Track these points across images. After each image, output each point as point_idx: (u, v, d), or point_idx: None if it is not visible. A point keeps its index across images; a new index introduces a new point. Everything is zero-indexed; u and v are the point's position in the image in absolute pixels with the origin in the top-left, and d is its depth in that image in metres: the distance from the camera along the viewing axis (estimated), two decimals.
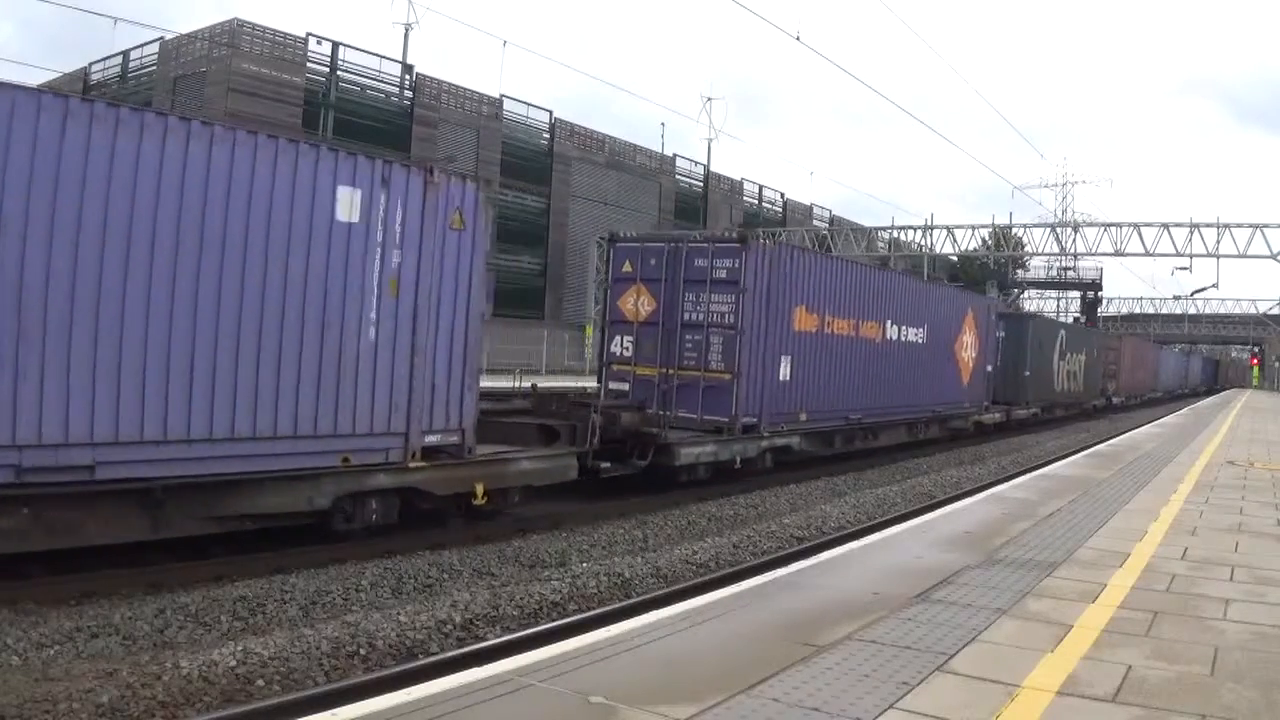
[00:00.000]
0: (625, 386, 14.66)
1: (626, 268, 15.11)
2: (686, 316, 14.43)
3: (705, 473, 13.51)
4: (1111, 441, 19.83)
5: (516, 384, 19.49)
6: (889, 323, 18.56)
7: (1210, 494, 10.83)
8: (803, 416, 15.63)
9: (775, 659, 4.41)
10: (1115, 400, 42.74)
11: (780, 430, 15.07)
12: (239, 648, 6.11)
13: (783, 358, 14.94)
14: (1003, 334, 26.93)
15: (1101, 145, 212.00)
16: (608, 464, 11.96)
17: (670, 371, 14.40)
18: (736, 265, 14.10)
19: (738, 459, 14.09)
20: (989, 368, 24.21)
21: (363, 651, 6.43)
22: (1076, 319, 63.12)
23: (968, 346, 22.57)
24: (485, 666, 4.34)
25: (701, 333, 14.26)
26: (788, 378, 15.06)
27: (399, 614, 7.12)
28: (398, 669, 6.07)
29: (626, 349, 14.90)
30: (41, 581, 7.34)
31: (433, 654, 6.55)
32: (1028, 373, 28.02)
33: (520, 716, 3.77)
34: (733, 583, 6.41)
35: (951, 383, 21.82)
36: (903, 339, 19.11)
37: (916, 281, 22.35)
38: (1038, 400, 29.53)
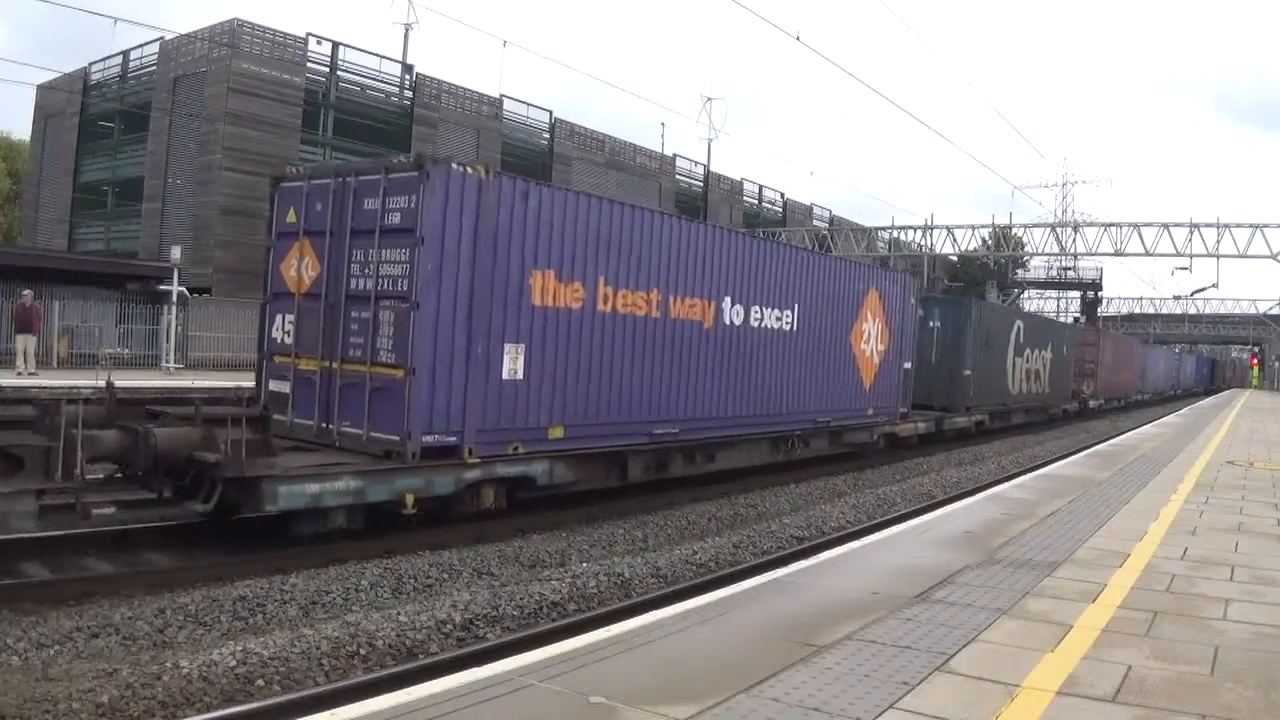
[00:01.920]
0: (286, 387, 10.53)
1: (290, 217, 10.66)
2: (353, 284, 9.91)
3: (348, 521, 9.07)
4: (1112, 441, 19.83)
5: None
6: (727, 301, 13.46)
7: (1210, 494, 10.83)
8: (557, 433, 10.74)
9: (775, 659, 4.41)
10: (1092, 404, 37.99)
11: (513, 455, 10.35)
12: (239, 648, 6.11)
13: (509, 346, 10.13)
14: (937, 324, 22.61)
15: (1101, 145, 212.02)
16: (110, 508, 8.35)
17: (333, 365, 9.97)
18: (413, 204, 9.46)
19: (409, 498, 9.26)
20: (906, 365, 18.98)
21: (363, 651, 6.42)
22: (1076, 319, 63.11)
23: (870, 337, 17.51)
24: (485, 666, 4.34)
25: (369, 307, 9.71)
26: (519, 375, 10.25)
27: (399, 614, 7.11)
28: (398, 669, 6.07)
29: (288, 333, 10.64)
30: (41, 581, 7.34)
31: (433, 654, 6.54)
32: (968, 371, 22.88)
33: (520, 716, 3.77)
34: (733, 583, 6.42)
35: (845, 384, 16.78)
36: (753, 325, 14.12)
37: (779, 247, 15.73)
38: (984, 405, 24.39)
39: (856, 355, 17.15)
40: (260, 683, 5.82)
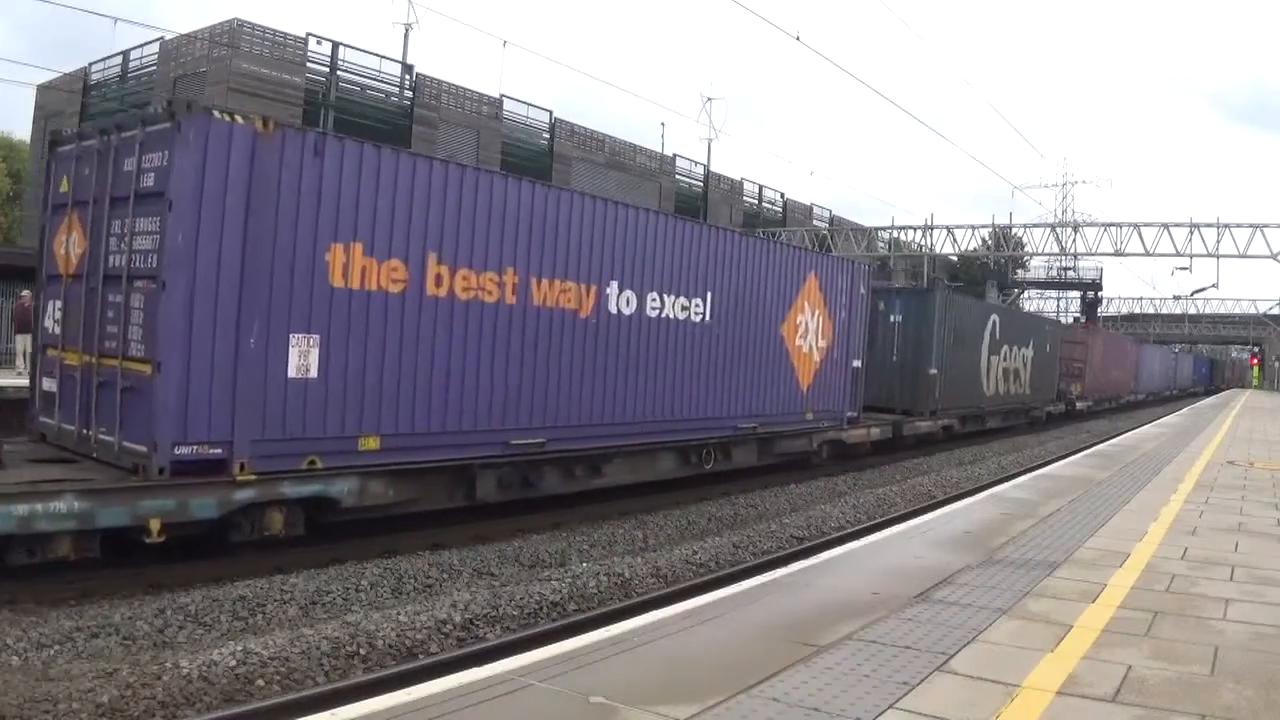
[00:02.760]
0: (55, 385, 8.95)
1: (64, 186, 9.07)
2: (110, 261, 8.27)
3: (77, 549, 7.32)
4: (1112, 441, 19.82)
5: None
6: (613, 286, 11.37)
7: (1210, 494, 10.82)
8: (370, 444, 8.87)
9: (775, 659, 4.41)
10: (1080, 406, 35.45)
11: (308, 471, 8.48)
12: (239, 648, 6.11)
13: (297, 338, 8.29)
14: (898, 318, 20.57)
15: (1101, 145, 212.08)
16: None
17: (92, 360, 8.36)
18: (165, 163, 7.74)
19: (154, 524, 7.49)
20: (856, 363, 16.89)
21: (363, 651, 6.43)
22: (1076, 319, 63.11)
23: (808, 331, 15.36)
24: (485, 666, 4.34)
25: (122, 289, 8.07)
26: (312, 374, 8.39)
27: (399, 614, 7.12)
28: (398, 669, 6.08)
29: (57, 321, 9.02)
30: (41, 581, 7.33)
31: (433, 654, 6.55)
32: (933, 370, 20.53)
33: (520, 716, 3.77)
34: (733, 583, 6.42)
35: (776, 385, 14.57)
36: (650, 314, 11.94)
37: (686, 224, 13.18)
38: (953, 407, 21.94)
39: (791, 351, 14.91)
40: (260, 683, 5.82)
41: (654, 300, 12.07)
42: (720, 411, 13.42)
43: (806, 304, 15.40)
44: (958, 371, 22.13)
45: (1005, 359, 25.69)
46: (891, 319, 20.70)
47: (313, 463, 8.50)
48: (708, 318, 13.02)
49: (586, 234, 11.07)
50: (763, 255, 14.41)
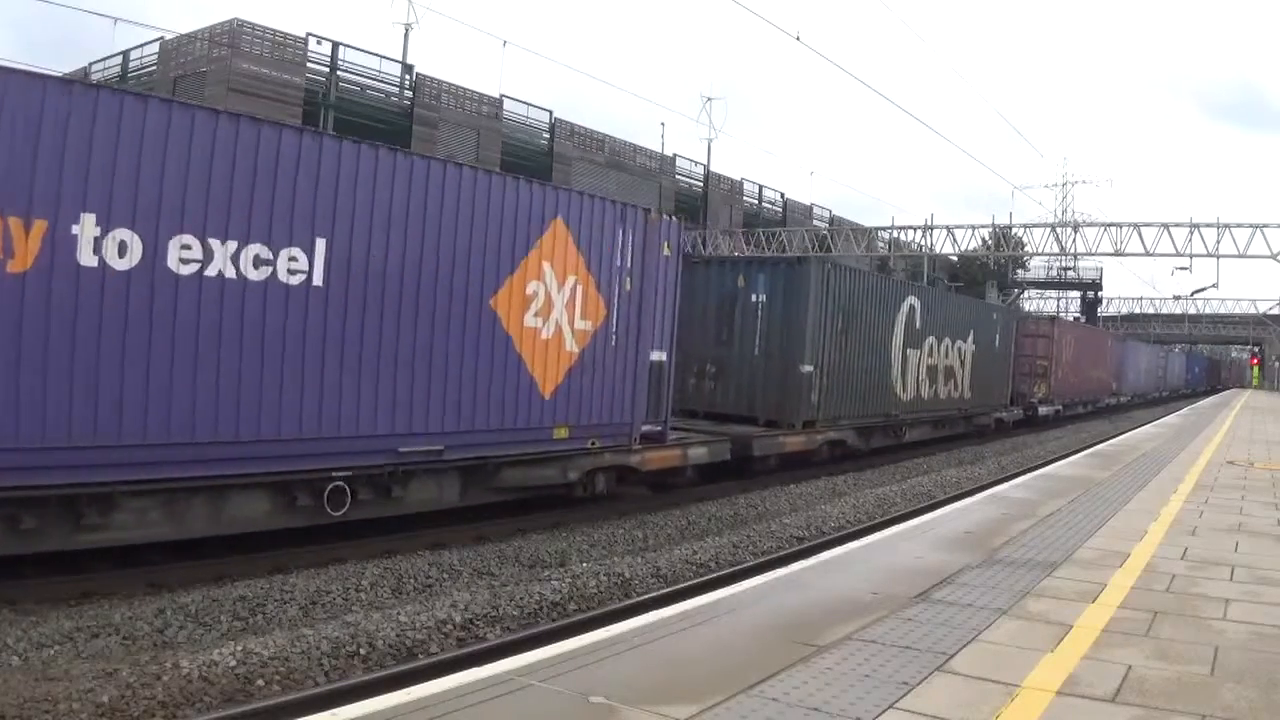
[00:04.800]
0: None
1: None
2: None
3: None
4: (1111, 442, 19.82)
5: None
6: (85, 223, 7.11)
7: (1210, 494, 10.82)
8: None
9: (775, 659, 4.41)
10: (1044, 411, 30.14)
11: None
12: (239, 648, 6.12)
13: None
14: (761, 297, 15.73)
15: (1101, 145, 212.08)
16: None
17: None
18: None
19: None
20: (653, 355, 12.16)
21: (363, 651, 6.43)
22: (1076, 319, 63.13)
23: (554, 307, 10.72)
24: (485, 666, 4.34)
25: None
26: None
27: (399, 614, 7.12)
28: (398, 669, 6.08)
29: None
30: (41, 581, 7.34)
31: (433, 654, 6.56)
32: (808, 367, 15.62)
33: (520, 716, 3.77)
34: (733, 583, 6.42)
35: (488, 387, 10.05)
36: (182, 270, 7.64)
37: (263, 127, 8.30)
38: (845, 416, 17.10)
39: (515, 337, 10.25)
40: (260, 683, 5.83)
41: (190, 249, 7.67)
42: (359, 427, 8.85)
43: (547, 266, 10.60)
44: (852, 369, 17.20)
45: (932, 354, 20.70)
46: (753, 298, 15.82)
47: None
48: (318, 280, 8.45)
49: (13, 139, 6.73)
50: (441, 186, 9.50)
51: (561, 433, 11.00)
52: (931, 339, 20.68)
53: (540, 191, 10.82)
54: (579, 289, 11.11)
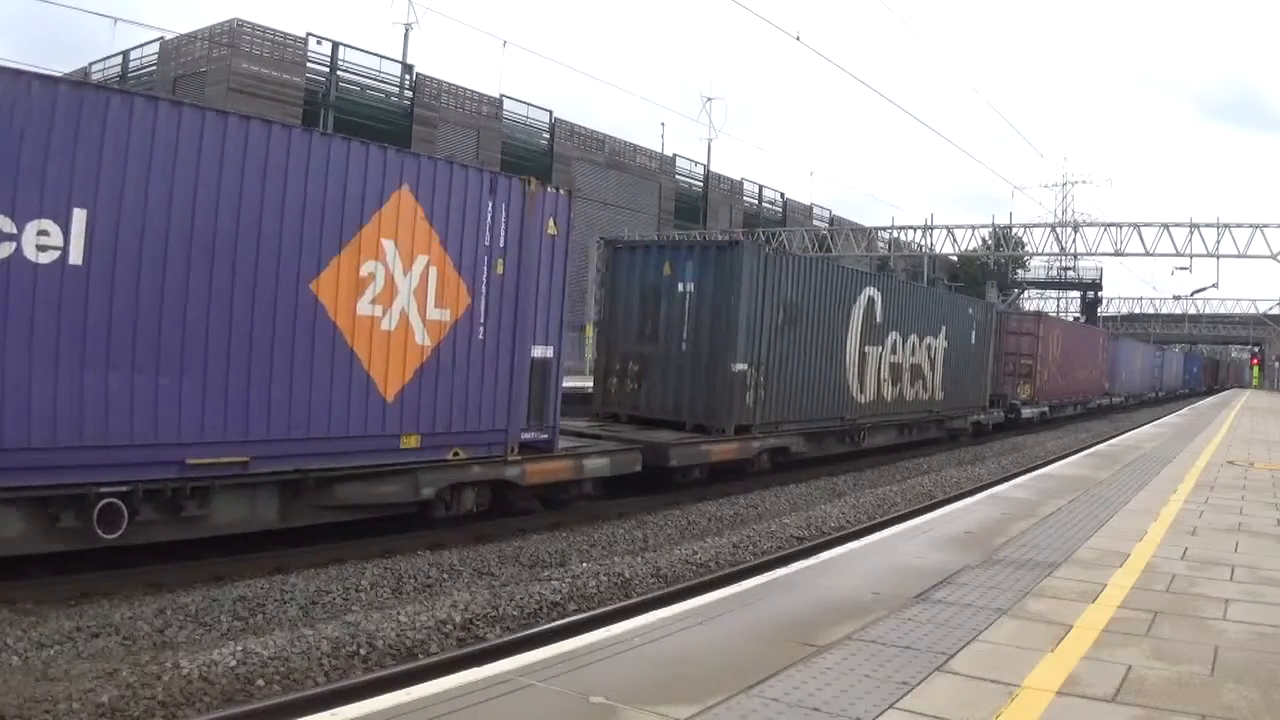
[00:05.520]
0: None
1: None
2: None
3: None
4: (1111, 441, 19.83)
5: None
6: None
7: (1210, 494, 10.82)
8: None
9: (775, 659, 4.41)
10: (1028, 413, 28.40)
11: None
12: (239, 648, 6.12)
13: None
14: (689, 286, 14.03)
15: (1101, 145, 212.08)
16: None
17: None
18: None
19: None
20: (536, 351, 10.55)
21: (363, 651, 6.44)
22: (1076, 319, 63.14)
23: (397, 292, 9.15)
24: (485, 666, 4.34)
25: None
26: None
27: (399, 614, 7.12)
28: (398, 669, 6.08)
29: None
30: (41, 581, 7.34)
31: (433, 654, 6.56)
32: (741, 365, 13.92)
33: (520, 716, 3.77)
34: (733, 583, 6.42)
35: (312, 386, 8.53)
36: None
37: None
38: (789, 420, 15.38)
39: (345, 328, 8.74)
40: (260, 683, 5.83)
41: None
42: (134, 434, 7.42)
43: (389, 244, 9.04)
44: (798, 368, 15.46)
45: (896, 352, 18.93)
46: (680, 288, 14.13)
47: None
48: (76, 258, 7.03)
49: None
50: (243, 148, 7.92)
51: (411, 442, 9.32)
52: (895, 335, 18.91)
53: (379, 156, 9.02)
54: (432, 272, 9.42)
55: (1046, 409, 30.20)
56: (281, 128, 8.55)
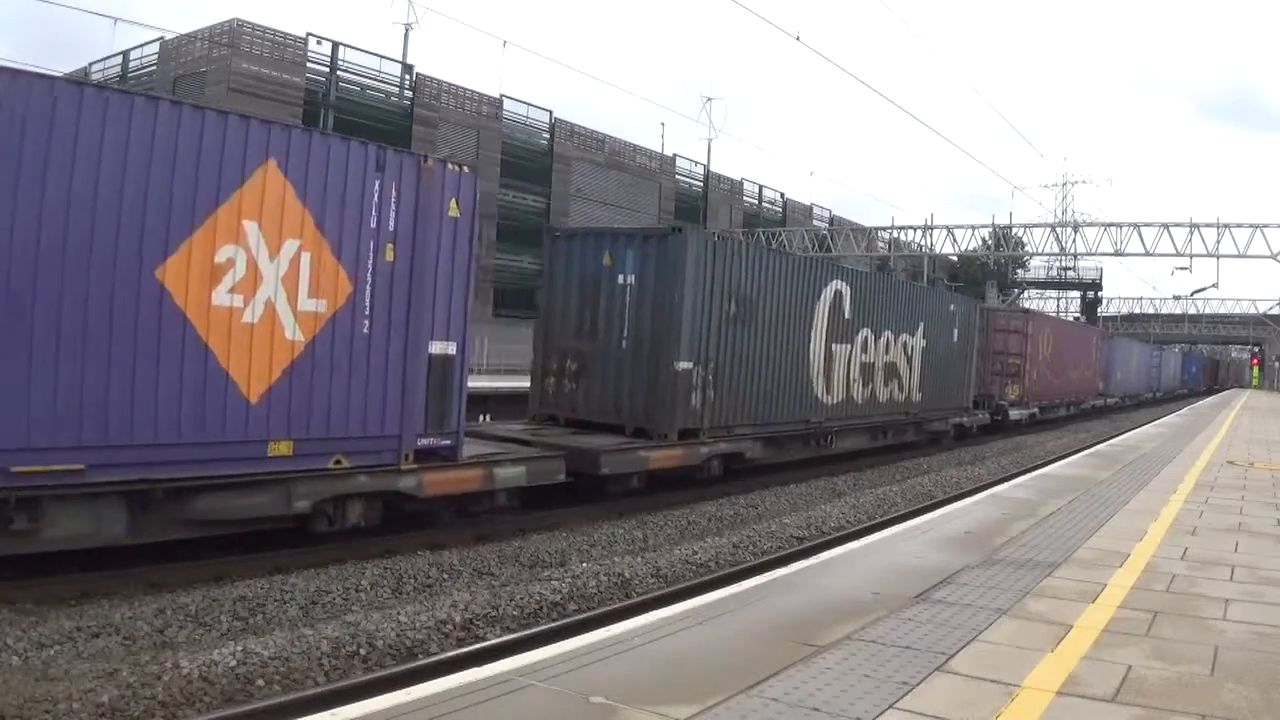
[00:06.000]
0: None
1: None
2: None
3: None
4: (1111, 441, 19.83)
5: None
6: None
7: (1210, 494, 10.82)
8: None
9: (775, 659, 4.41)
10: (1016, 415, 27.09)
11: None
12: (239, 648, 6.12)
13: None
14: (630, 278, 12.84)
15: (1101, 145, 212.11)
16: None
17: None
18: None
19: None
20: (434, 348, 9.53)
21: (363, 651, 6.43)
22: (1076, 319, 63.13)
23: (261, 280, 8.16)
24: (485, 666, 4.34)
25: None
26: None
27: (399, 614, 7.12)
28: (398, 669, 6.08)
29: None
30: (41, 581, 7.34)
31: (433, 654, 6.56)
32: (685, 364, 12.68)
33: (520, 716, 3.77)
34: (733, 583, 6.42)
35: (154, 384, 7.54)
36: None
37: None
38: (744, 424, 14.11)
39: (198, 320, 7.76)
40: (260, 683, 5.83)
41: None
42: None
43: (251, 226, 8.04)
44: (753, 367, 14.22)
45: (867, 350, 17.72)
46: (620, 279, 12.93)
47: None
48: None
49: None
50: (75, 118, 7.01)
51: (281, 448, 8.30)
52: (867, 332, 17.63)
53: (240, 126, 8.00)
54: (305, 258, 8.36)
55: (1036, 410, 29.00)
56: (119, 94, 7.56)
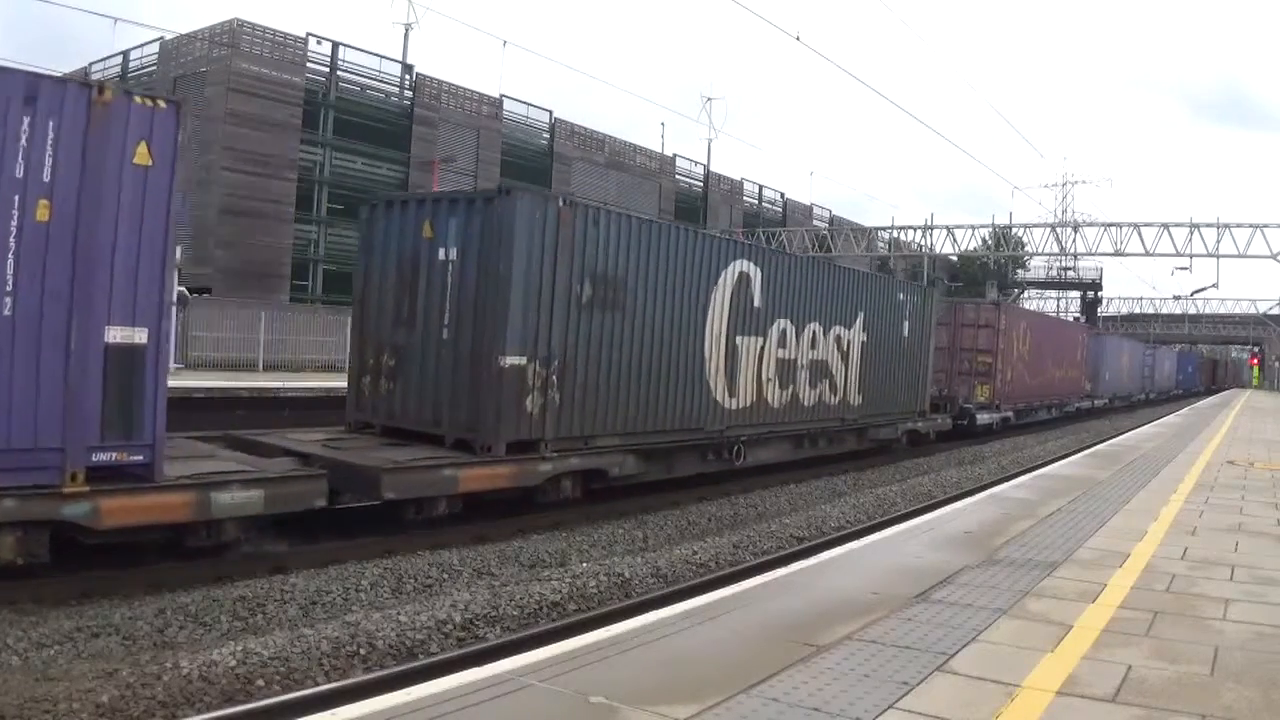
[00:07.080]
0: None
1: None
2: None
3: None
4: (1112, 441, 19.84)
5: None
6: None
7: (1210, 494, 10.83)
8: None
9: (775, 659, 4.41)
10: (985, 418, 24.39)
11: None
12: (239, 648, 6.12)
13: None
14: (452, 253, 10.55)
15: (1101, 145, 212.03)
16: None
17: None
18: None
19: None
20: (116, 335, 7.19)
21: (363, 651, 6.43)
22: (1076, 318, 63.15)
23: None
24: (485, 666, 4.34)
25: None
26: None
27: (399, 614, 7.12)
28: (398, 669, 6.08)
29: None
30: (41, 581, 7.33)
31: (433, 654, 6.55)
32: (515, 359, 10.20)
33: (520, 716, 3.77)
34: (733, 583, 6.42)
35: None
36: None
37: None
38: (606, 434, 11.47)
39: None
40: (260, 683, 5.82)
41: None
42: None
43: None
44: (621, 364, 11.57)
45: (786, 345, 14.84)
46: (440, 255, 10.61)
47: None
48: None
49: None
50: None
51: None
52: (784, 323, 14.72)
53: None
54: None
55: (1010, 414, 26.14)
56: None
